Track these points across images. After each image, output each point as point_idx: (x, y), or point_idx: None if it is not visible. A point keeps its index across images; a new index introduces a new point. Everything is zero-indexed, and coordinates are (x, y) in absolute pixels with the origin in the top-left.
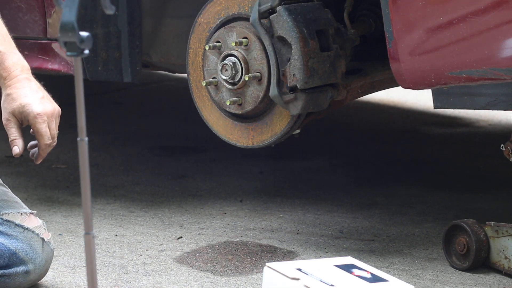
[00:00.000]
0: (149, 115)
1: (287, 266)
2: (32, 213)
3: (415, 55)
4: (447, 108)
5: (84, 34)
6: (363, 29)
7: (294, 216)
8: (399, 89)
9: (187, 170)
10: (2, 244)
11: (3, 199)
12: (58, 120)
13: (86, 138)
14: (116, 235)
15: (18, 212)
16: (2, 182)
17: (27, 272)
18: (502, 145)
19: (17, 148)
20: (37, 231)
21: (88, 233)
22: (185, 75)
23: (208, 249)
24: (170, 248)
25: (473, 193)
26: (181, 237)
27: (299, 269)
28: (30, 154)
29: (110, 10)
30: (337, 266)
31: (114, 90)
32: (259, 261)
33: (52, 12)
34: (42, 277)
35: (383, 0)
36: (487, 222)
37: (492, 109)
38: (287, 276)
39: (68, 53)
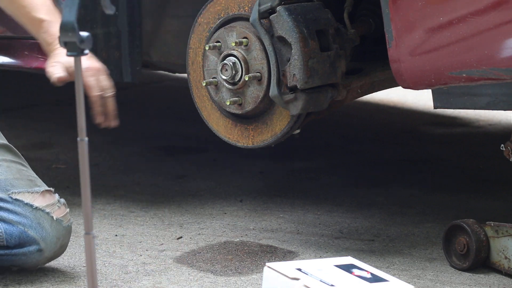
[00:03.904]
0: (149, 115)
1: (287, 266)
2: (47, 191)
3: (415, 55)
4: (447, 108)
5: (84, 34)
6: (363, 29)
7: (294, 216)
8: (399, 89)
9: (187, 170)
10: (11, 224)
11: (16, 177)
12: (105, 77)
13: (86, 138)
14: (116, 235)
15: (28, 191)
16: (20, 160)
17: (40, 250)
18: (502, 145)
19: (59, 74)
20: (47, 210)
21: (88, 233)
22: (185, 75)
23: (208, 249)
24: (170, 248)
25: (473, 193)
26: (181, 237)
27: (299, 269)
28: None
29: (110, 10)
30: (337, 266)
31: None
32: (259, 261)
33: None
34: (59, 255)
35: (383, 0)
36: (487, 222)
37: (492, 109)
38: (287, 276)
39: (68, 53)
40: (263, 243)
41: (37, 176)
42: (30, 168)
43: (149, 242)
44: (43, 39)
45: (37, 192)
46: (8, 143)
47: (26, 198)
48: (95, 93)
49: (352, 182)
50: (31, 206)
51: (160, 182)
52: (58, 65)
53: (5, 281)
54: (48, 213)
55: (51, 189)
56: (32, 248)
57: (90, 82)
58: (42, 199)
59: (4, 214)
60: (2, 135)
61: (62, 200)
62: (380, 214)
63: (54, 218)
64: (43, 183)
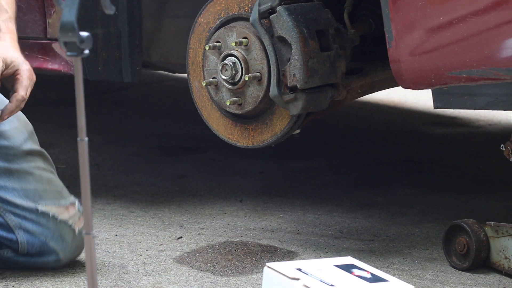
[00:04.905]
0: (149, 115)
1: (287, 266)
2: (72, 204)
3: (415, 55)
4: (447, 108)
5: (84, 34)
6: (363, 29)
7: (294, 216)
8: (399, 89)
9: (187, 170)
10: (33, 235)
11: (45, 188)
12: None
13: (86, 138)
14: (116, 235)
15: (55, 205)
16: (50, 167)
17: (58, 260)
18: (502, 145)
19: None
20: (70, 222)
21: (88, 233)
22: (185, 75)
23: (208, 249)
24: (170, 248)
25: (473, 193)
26: (181, 237)
27: (299, 269)
28: None
29: (110, 10)
30: (337, 266)
31: (114, 90)
32: (259, 261)
33: (52, 12)
34: (75, 258)
35: (383, 0)
36: (487, 222)
37: (492, 109)
38: (287, 276)
39: (68, 53)
40: (263, 243)
41: (63, 185)
42: (57, 175)
43: (149, 242)
44: None
45: (63, 205)
46: (41, 148)
47: (52, 211)
48: (23, 94)
49: (352, 182)
50: (56, 219)
51: (160, 182)
52: None
53: (5, 281)
54: (70, 226)
55: (75, 200)
56: (51, 258)
57: (26, 83)
58: (67, 212)
59: (28, 225)
60: (37, 139)
61: (81, 207)
62: (380, 214)
63: (76, 230)
64: (68, 193)
